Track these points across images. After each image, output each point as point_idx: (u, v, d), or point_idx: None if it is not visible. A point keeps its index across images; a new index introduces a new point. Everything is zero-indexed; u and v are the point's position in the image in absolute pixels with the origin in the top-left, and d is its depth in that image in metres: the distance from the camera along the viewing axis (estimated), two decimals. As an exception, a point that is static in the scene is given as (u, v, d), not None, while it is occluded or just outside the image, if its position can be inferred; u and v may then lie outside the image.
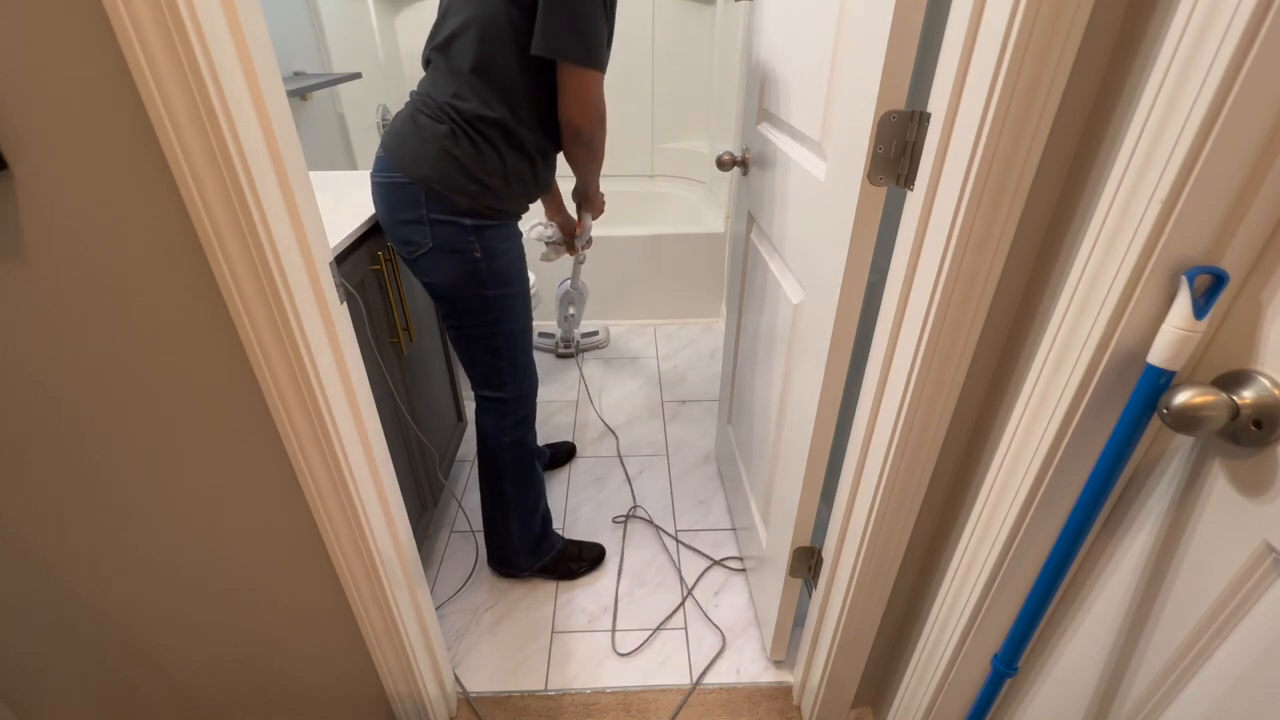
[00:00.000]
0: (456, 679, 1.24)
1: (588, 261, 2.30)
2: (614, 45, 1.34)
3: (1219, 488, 0.53)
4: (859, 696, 1.13)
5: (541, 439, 1.90)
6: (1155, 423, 0.56)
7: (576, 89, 1.15)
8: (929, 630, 0.89)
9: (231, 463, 0.79)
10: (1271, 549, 0.49)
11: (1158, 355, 0.51)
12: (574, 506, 1.68)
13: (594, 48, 1.15)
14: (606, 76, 1.24)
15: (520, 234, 1.24)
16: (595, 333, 2.44)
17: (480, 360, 1.24)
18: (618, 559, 1.52)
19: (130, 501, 0.81)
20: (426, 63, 1.15)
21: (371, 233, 1.16)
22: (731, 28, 2.32)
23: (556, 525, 1.60)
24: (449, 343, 1.48)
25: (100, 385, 0.72)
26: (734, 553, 1.53)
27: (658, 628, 1.35)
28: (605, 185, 2.70)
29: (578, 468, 1.82)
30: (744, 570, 1.48)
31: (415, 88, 1.15)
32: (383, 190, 1.11)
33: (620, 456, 1.85)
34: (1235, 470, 0.51)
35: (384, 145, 1.12)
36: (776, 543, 1.15)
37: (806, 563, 1.08)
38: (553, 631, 1.34)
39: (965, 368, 0.72)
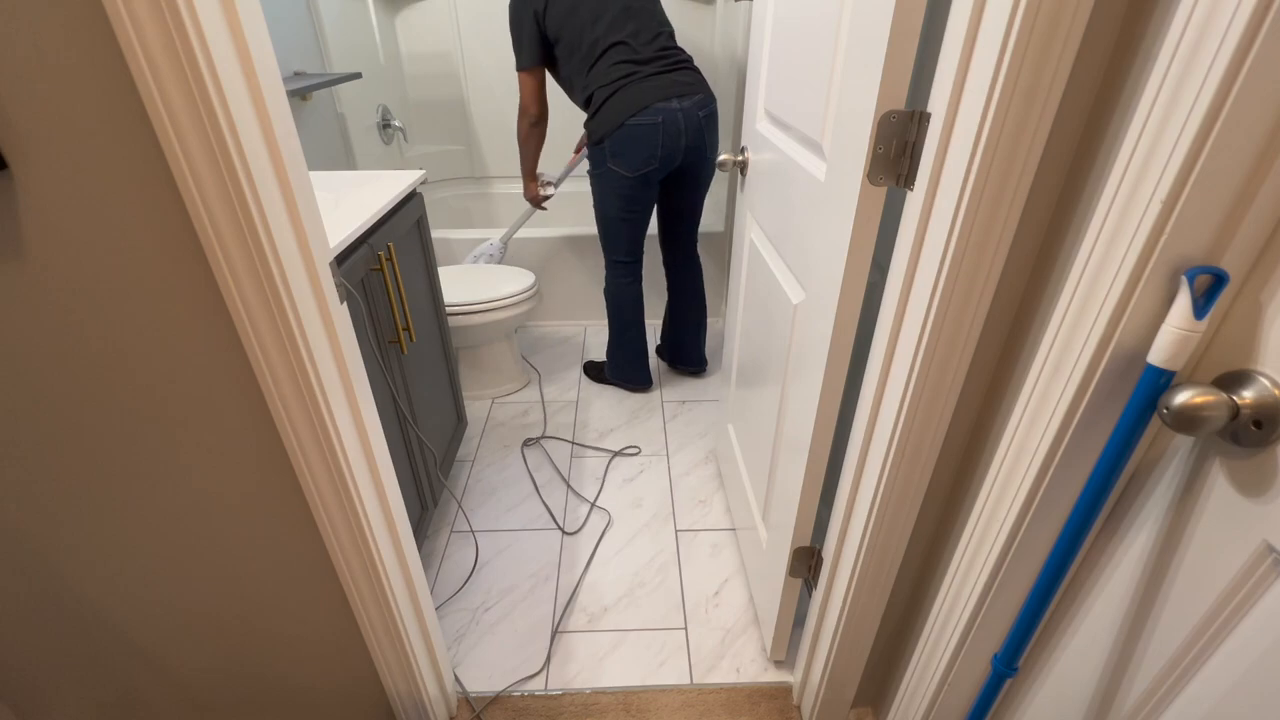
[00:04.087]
0: (456, 679, 1.24)
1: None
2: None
3: (1219, 488, 0.53)
4: (859, 696, 1.13)
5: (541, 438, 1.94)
6: (1155, 423, 0.56)
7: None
8: (929, 630, 0.89)
9: (231, 463, 0.79)
10: (1271, 549, 0.49)
11: (1158, 355, 0.51)
12: (571, 505, 1.69)
13: (516, 51, 1.70)
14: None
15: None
16: None
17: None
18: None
19: (129, 501, 0.81)
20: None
21: (371, 233, 1.16)
22: (731, 28, 2.32)
23: (558, 515, 1.61)
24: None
25: (100, 385, 0.72)
26: (735, 556, 1.54)
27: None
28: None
29: (576, 465, 1.82)
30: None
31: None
32: (712, 119, 1.71)
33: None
34: (1235, 470, 0.51)
35: (696, 86, 1.67)
36: (776, 543, 1.15)
37: (806, 563, 1.08)
38: (553, 631, 1.35)
39: (965, 368, 0.72)
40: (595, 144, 1.71)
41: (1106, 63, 0.55)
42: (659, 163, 1.69)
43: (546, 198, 2.05)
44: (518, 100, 1.77)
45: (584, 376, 2.24)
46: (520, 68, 1.70)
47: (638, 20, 1.65)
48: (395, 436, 1.23)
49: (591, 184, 1.81)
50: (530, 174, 1.95)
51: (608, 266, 1.93)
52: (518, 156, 2.86)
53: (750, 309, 1.32)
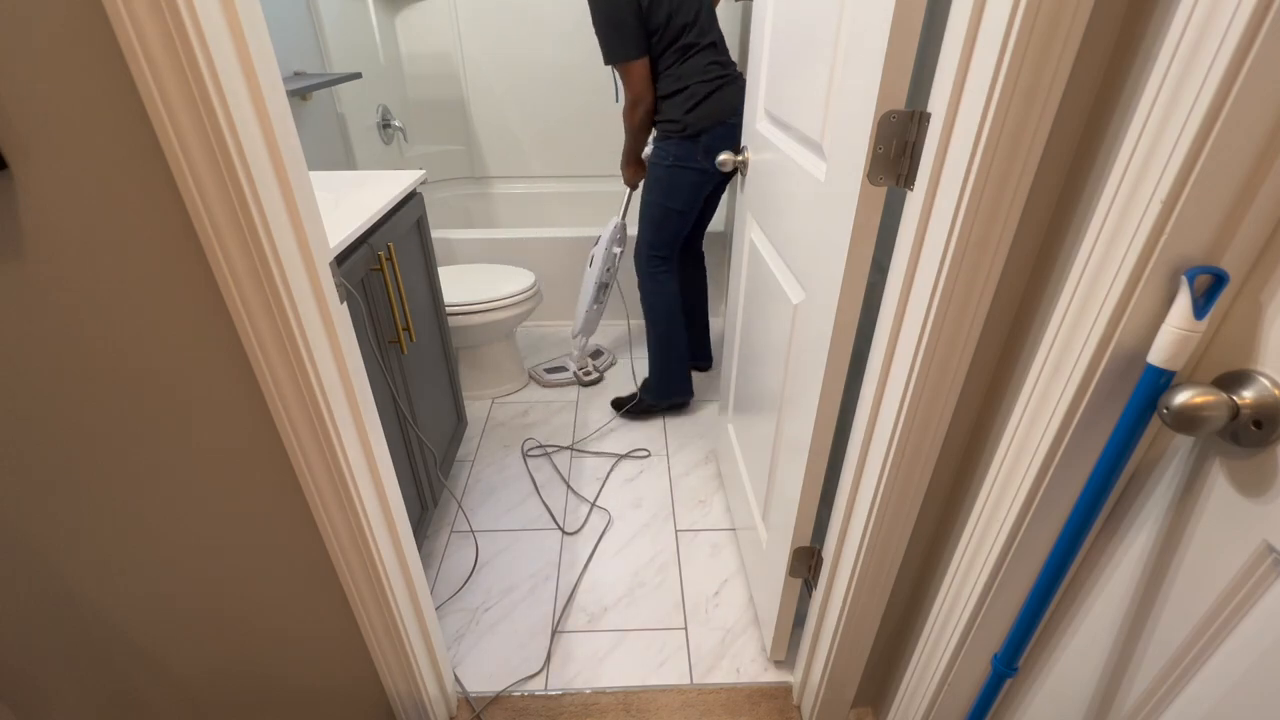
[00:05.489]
0: (456, 679, 1.24)
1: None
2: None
3: (1219, 488, 0.53)
4: (859, 696, 1.13)
5: (542, 438, 1.93)
6: (1155, 423, 0.56)
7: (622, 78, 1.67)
8: (929, 630, 0.89)
9: (231, 463, 0.79)
10: (1271, 549, 0.49)
11: (1158, 355, 0.51)
12: (573, 505, 1.69)
13: (605, 47, 1.61)
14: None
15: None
16: (601, 351, 2.33)
17: None
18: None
19: (130, 501, 0.81)
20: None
21: (371, 233, 1.16)
22: (731, 28, 2.32)
23: (558, 515, 1.62)
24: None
25: (100, 385, 0.72)
26: (735, 556, 1.54)
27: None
28: (606, 185, 2.72)
29: (576, 464, 1.82)
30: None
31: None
32: None
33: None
34: (1235, 470, 0.51)
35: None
36: (776, 543, 1.15)
37: (806, 563, 1.08)
38: (553, 631, 1.35)
39: (965, 368, 0.72)
40: (690, 137, 1.64)
41: (1106, 63, 0.55)
42: None
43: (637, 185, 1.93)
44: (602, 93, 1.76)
45: (616, 416, 2.05)
46: (628, 59, 1.62)
47: (717, 24, 1.66)
48: (395, 436, 1.23)
49: (663, 175, 1.73)
50: (636, 157, 1.85)
51: (649, 263, 1.83)
52: (519, 155, 2.87)
53: (750, 309, 1.32)
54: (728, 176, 1.70)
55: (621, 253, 2.01)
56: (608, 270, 2.00)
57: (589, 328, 2.10)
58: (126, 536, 0.84)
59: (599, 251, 1.97)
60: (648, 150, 1.83)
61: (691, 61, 1.62)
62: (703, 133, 1.63)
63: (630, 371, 2.26)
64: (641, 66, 1.63)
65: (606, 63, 1.65)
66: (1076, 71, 0.55)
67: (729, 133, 1.63)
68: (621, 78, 1.66)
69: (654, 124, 1.73)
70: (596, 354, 2.31)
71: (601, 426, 1.99)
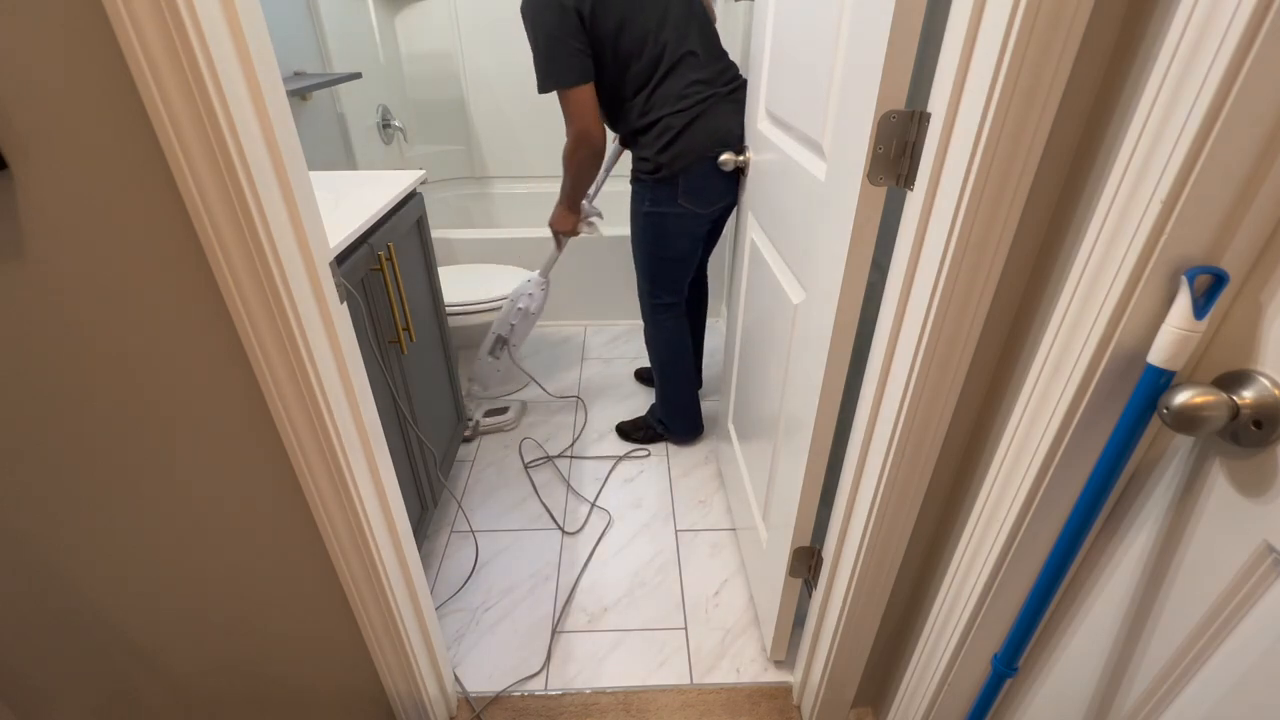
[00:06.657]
0: (456, 679, 1.24)
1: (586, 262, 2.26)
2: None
3: (1219, 488, 0.53)
4: (859, 696, 1.13)
5: (541, 438, 1.93)
6: (1155, 423, 0.56)
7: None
8: (929, 630, 0.89)
9: (231, 463, 0.79)
10: (1271, 549, 0.49)
11: (1158, 355, 0.51)
12: (574, 506, 1.69)
13: (542, 73, 1.35)
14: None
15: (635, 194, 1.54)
16: (505, 409, 2.00)
17: None
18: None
19: (130, 502, 0.81)
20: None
21: (371, 233, 1.16)
22: (732, 28, 2.32)
23: (558, 515, 1.62)
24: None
25: (100, 385, 0.72)
26: (735, 556, 1.54)
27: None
28: (607, 185, 2.67)
29: (576, 465, 1.82)
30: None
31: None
32: None
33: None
34: (1235, 470, 0.51)
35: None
36: (776, 543, 1.15)
37: (806, 563, 1.08)
38: (553, 631, 1.35)
39: (965, 368, 0.72)
40: (664, 180, 1.42)
41: (1106, 63, 0.55)
42: (735, 195, 1.45)
43: (577, 232, 1.71)
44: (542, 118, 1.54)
45: (621, 439, 1.93)
46: (563, 85, 1.34)
47: (699, 19, 1.37)
48: (395, 436, 1.23)
49: (645, 223, 1.51)
50: (576, 204, 1.61)
51: (653, 312, 1.65)
52: (519, 155, 2.86)
53: (751, 309, 1.32)
54: (729, 208, 1.50)
55: (528, 311, 1.78)
56: (510, 326, 1.75)
57: (484, 379, 1.90)
58: (125, 536, 0.84)
59: (507, 300, 1.77)
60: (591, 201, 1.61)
61: (665, 87, 1.36)
62: (681, 173, 1.40)
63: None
64: (585, 94, 1.35)
65: (540, 90, 1.36)
66: (1076, 71, 0.55)
67: (713, 169, 1.37)
68: (562, 109, 1.38)
69: (633, 157, 1.50)
70: (499, 410, 1.99)
71: (603, 432, 1.98)
